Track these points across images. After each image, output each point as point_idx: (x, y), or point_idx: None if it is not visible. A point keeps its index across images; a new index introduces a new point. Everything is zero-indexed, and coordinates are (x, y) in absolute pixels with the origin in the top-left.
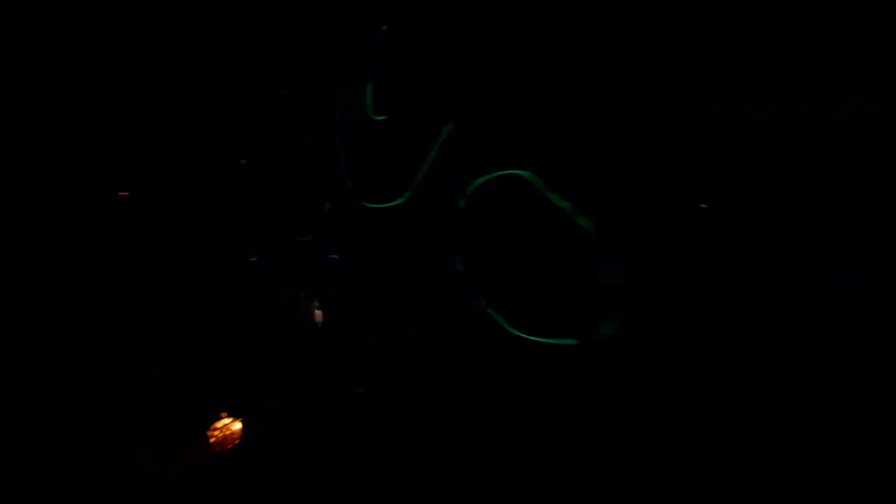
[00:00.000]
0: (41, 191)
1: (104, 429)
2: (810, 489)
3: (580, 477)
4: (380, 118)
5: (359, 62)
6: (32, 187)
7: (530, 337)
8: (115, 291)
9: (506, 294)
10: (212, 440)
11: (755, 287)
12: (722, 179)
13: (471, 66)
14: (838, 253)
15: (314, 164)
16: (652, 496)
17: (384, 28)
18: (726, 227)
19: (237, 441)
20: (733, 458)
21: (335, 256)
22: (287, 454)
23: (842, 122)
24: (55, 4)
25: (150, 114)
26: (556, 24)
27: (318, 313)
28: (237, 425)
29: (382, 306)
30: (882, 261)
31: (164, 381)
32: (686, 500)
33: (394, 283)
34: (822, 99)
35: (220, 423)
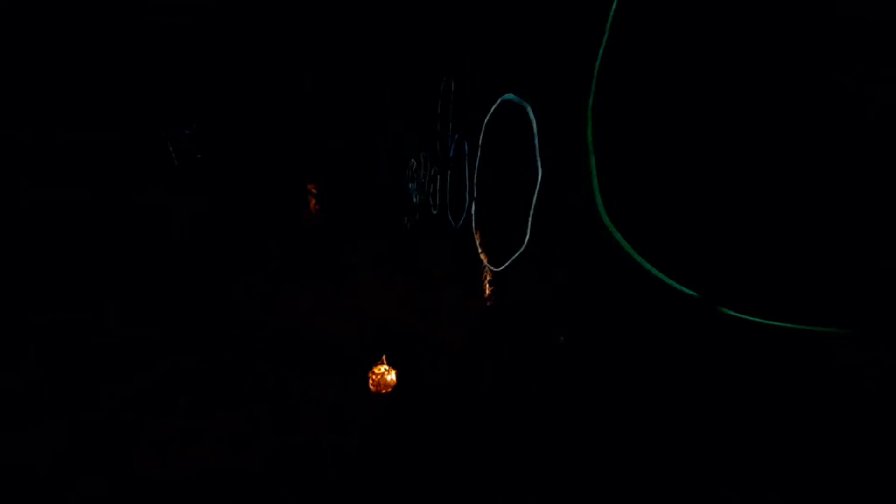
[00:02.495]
0: (41, 191)
1: (104, 429)
2: (809, 489)
3: (580, 476)
4: None
5: None
6: (33, 187)
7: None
8: (115, 291)
9: None
10: (370, 383)
11: (755, 286)
12: (722, 179)
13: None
14: (834, 252)
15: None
16: (651, 496)
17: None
18: (727, 227)
19: (390, 389)
20: (732, 458)
21: None
22: (286, 454)
23: (842, 123)
24: (55, 4)
25: (150, 114)
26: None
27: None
28: (392, 375)
29: None
30: (883, 259)
31: (164, 381)
32: (685, 500)
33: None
34: (821, 99)
35: (379, 369)
